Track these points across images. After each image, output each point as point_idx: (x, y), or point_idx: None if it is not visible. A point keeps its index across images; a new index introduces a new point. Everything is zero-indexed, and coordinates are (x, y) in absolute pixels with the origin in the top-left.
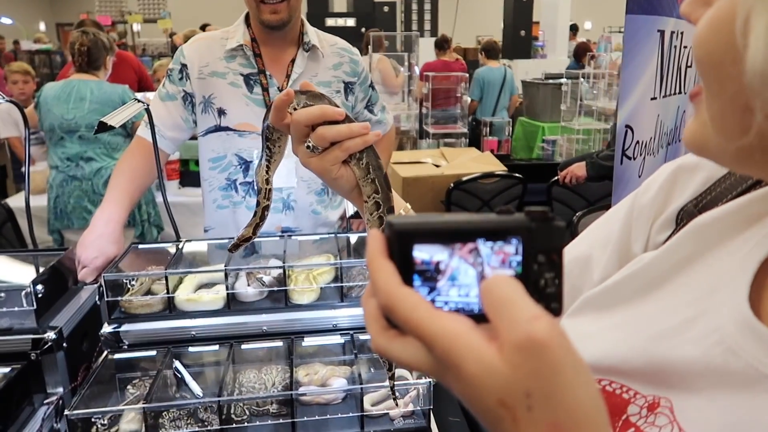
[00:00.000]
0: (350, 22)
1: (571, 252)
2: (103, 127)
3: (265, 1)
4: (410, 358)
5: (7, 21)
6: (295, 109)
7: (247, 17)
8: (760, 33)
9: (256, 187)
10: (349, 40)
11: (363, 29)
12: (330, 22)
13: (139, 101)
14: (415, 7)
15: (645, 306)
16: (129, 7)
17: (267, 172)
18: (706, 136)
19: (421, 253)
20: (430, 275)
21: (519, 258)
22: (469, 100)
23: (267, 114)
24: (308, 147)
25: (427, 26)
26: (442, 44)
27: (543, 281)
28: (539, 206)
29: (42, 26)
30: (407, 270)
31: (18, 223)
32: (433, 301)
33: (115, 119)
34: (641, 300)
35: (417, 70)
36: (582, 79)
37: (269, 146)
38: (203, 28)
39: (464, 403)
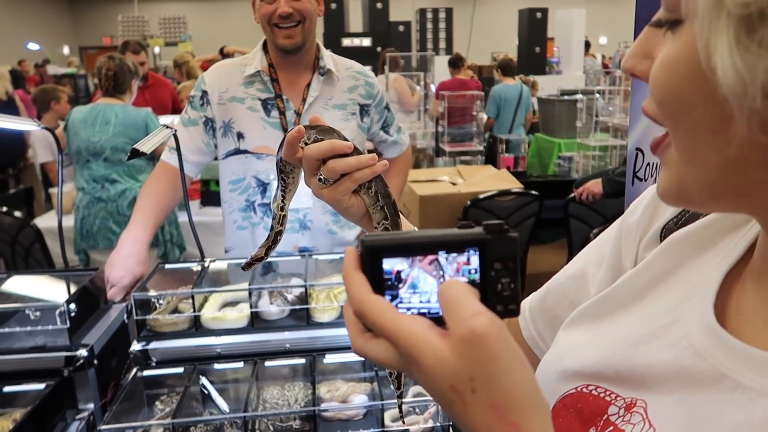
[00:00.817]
0: (366, 41)
1: (568, 269)
2: (135, 154)
3: (279, 26)
4: (382, 356)
5: (34, 47)
6: (306, 143)
7: (265, 44)
8: (725, 52)
9: (271, 214)
10: (365, 59)
11: (379, 48)
12: (346, 42)
13: (167, 127)
14: (429, 26)
15: (628, 316)
16: (151, 30)
17: (282, 201)
18: (680, 179)
19: (389, 265)
20: (397, 284)
21: (477, 266)
22: (484, 117)
23: (280, 148)
24: (320, 179)
25: (442, 44)
26: (456, 62)
27: (500, 285)
28: (497, 220)
29: (66, 50)
30: (377, 280)
31: (46, 243)
32: (398, 306)
33: (146, 146)
34: (625, 310)
35: (433, 88)
36: (597, 95)
37: (283, 178)
38: (222, 50)
39: (426, 391)
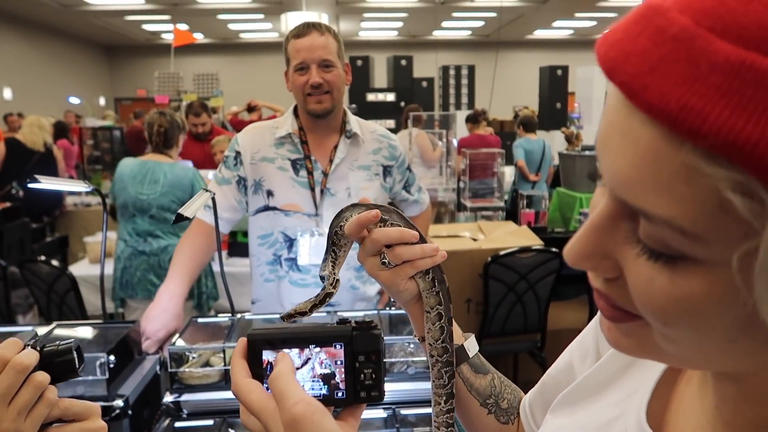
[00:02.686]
0: (390, 96)
1: (559, 363)
2: (179, 218)
3: (311, 94)
4: (256, 428)
5: (75, 101)
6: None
7: (295, 109)
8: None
9: (322, 278)
10: (389, 113)
11: (402, 103)
12: (371, 96)
13: (207, 191)
14: (452, 82)
15: (595, 404)
16: (185, 86)
17: (333, 270)
18: (660, 354)
19: (267, 356)
20: (269, 373)
21: (343, 357)
22: (505, 172)
23: (336, 221)
24: (383, 262)
25: (464, 99)
26: (475, 118)
27: (363, 375)
28: (368, 318)
29: (102, 101)
30: (258, 367)
31: (80, 291)
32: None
33: (189, 210)
34: (595, 398)
35: (455, 142)
36: None
37: (335, 250)
38: (249, 107)
39: None
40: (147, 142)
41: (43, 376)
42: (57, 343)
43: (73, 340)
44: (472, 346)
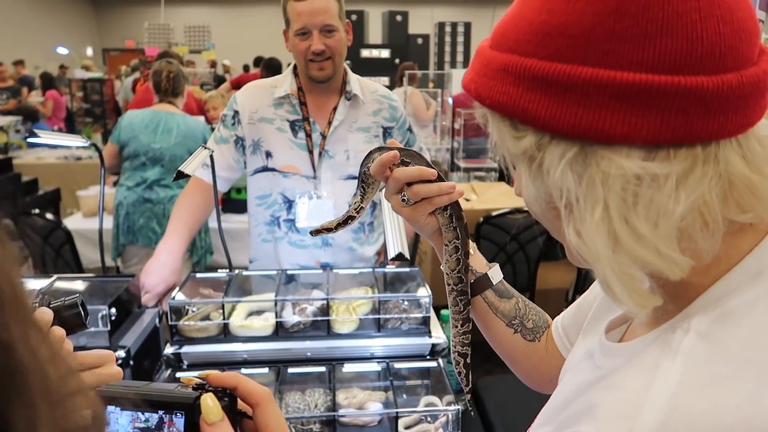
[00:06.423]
0: (385, 53)
1: (594, 289)
2: (180, 176)
3: (313, 60)
4: None
5: (63, 51)
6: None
7: (295, 68)
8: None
9: (349, 204)
10: (383, 70)
11: (397, 60)
12: (365, 53)
13: (206, 148)
14: (448, 39)
15: (594, 333)
16: (176, 38)
17: (360, 203)
18: None
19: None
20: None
21: (182, 426)
22: None
23: (366, 161)
24: (403, 200)
25: (460, 57)
26: None
27: None
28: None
29: (89, 51)
30: None
31: (75, 245)
32: None
33: (189, 167)
34: (602, 324)
35: (451, 101)
36: None
37: (364, 187)
38: (246, 68)
39: None
40: (154, 92)
41: (60, 332)
42: (62, 299)
43: (77, 295)
44: (496, 274)
